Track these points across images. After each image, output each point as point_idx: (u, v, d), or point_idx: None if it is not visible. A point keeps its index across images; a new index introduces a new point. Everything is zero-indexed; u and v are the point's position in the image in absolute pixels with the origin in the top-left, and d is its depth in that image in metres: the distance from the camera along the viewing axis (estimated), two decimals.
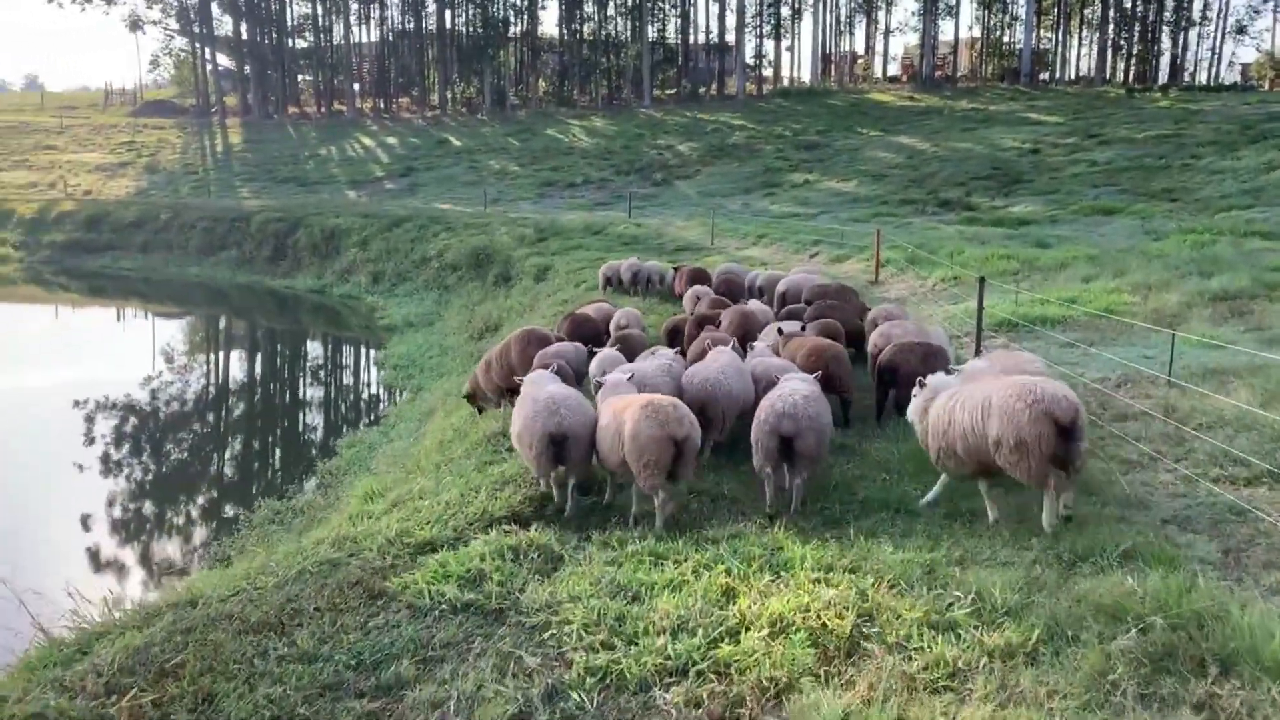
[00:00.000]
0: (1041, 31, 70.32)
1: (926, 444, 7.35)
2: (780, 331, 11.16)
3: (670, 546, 6.43)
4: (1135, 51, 69.11)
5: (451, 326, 23.72)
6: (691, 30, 78.68)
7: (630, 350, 10.98)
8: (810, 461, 7.45)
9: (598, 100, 76.12)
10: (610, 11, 77.73)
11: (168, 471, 15.90)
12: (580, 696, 4.60)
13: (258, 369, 25.14)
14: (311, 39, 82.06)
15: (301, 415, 20.22)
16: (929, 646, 4.71)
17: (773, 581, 5.67)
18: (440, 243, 31.44)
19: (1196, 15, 67.03)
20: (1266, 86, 60.80)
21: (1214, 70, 66.78)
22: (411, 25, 79.97)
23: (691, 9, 78.24)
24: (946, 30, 76.05)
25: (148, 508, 14.06)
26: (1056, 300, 14.03)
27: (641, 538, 6.67)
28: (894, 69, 78.77)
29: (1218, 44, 67.09)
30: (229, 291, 35.67)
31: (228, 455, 17.22)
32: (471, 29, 77.41)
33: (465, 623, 5.52)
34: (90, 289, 37.56)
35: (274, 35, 79.44)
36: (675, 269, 18.83)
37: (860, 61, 79.26)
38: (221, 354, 27.23)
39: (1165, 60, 68.29)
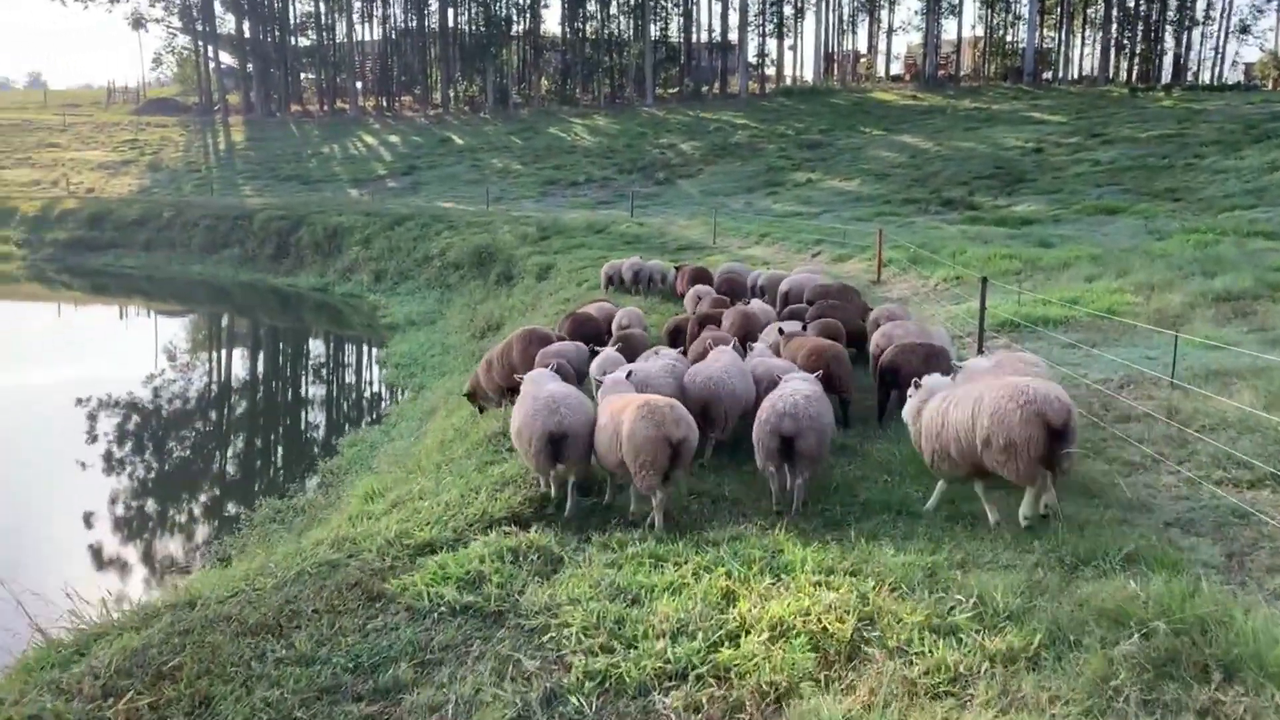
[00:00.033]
0: (1044, 31, 70.25)
1: (920, 446, 7.30)
2: (781, 331, 11.13)
3: (670, 548, 6.40)
4: (1138, 51, 69.01)
5: (453, 325, 23.70)
6: (694, 29, 78.69)
7: (632, 350, 10.95)
8: (811, 461, 7.43)
9: (600, 99, 76.08)
10: (613, 10, 77.80)
11: (169, 470, 15.90)
12: (579, 700, 4.57)
13: (260, 367, 25.15)
14: (314, 37, 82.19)
15: (303, 414, 20.21)
16: (930, 651, 4.68)
17: (773, 584, 5.64)
18: (442, 241, 31.43)
19: (1200, 14, 67.01)
20: (1270, 86, 60.67)
21: (1217, 70, 66.75)
22: (414, 23, 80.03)
23: (694, 8, 78.32)
24: (949, 29, 75.91)
25: (149, 506, 14.06)
26: (1059, 301, 13.99)
27: (641, 539, 6.64)
28: (897, 68, 78.82)
29: (1221, 43, 67.09)
30: (231, 289, 35.69)
31: (230, 453, 17.22)
32: (474, 27, 77.39)
33: (464, 625, 5.49)
34: (93, 287, 37.60)
35: (276, 33, 79.49)
36: (677, 268, 18.80)
37: (863, 60, 79.24)
38: (224, 352, 27.24)
39: (1168, 60, 68.27)
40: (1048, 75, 67.93)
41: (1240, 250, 17.62)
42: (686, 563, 6.09)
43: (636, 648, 4.97)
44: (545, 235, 29.25)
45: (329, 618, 5.61)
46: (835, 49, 76.46)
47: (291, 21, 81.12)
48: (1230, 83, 62.82)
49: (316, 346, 27.42)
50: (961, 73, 72.43)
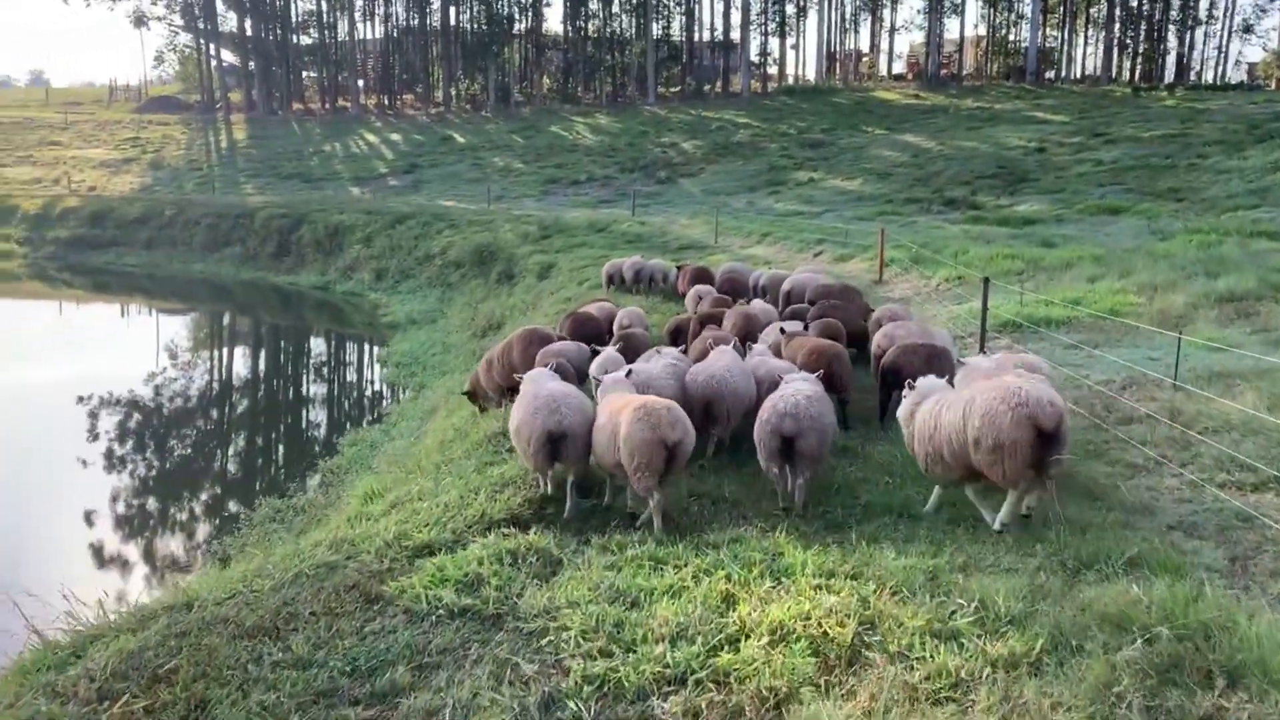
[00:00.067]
0: (1047, 30, 70.16)
1: (913, 449, 7.26)
2: (783, 331, 11.09)
3: (670, 551, 6.36)
4: (1141, 50, 68.94)
5: (454, 324, 23.69)
6: (696, 28, 78.70)
7: (634, 350, 10.92)
8: (812, 461, 7.40)
9: (602, 97, 76.05)
10: (615, 9, 77.77)
11: (169, 468, 15.88)
12: (577, 705, 4.53)
13: (261, 366, 25.14)
14: (316, 35, 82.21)
15: (304, 412, 20.20)
16: (931, 656, 4.64)
17: (773, 588, 5.60)
18: (444, 240, 31.42)
19: (1203, 14, 66.93)
20: (1273, 86, 60.58)
21: (1220, 69, 66.67)
22: (416, 22, 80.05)
23: (696, 6, 78.31)
24: (952, 28, 75.79)
25: (149, 505, 14.05)
26: (1061, 301, 13.94)
27: (641, 542, 6.60)
28: (899, 67, 78.79)
29: (1224, 43, 67.04)
30: (233, 288, 35.69)
31: (230, 452, 17.20)
32: (476, 26, 77.40)
33: (462, 628, 5.45)
34: (94, 285, 37.61)
35: (278, 31, 79.52)
36: (679, 267, 18.76)
37: (865, 59, 79.19)
38: (225, 350, 27.24)
39: (1171, 59, 68.23)
40: (1050, 75, 67.87)
41: (1243, 251, 17.57)
42: (686, 565, 6.05)
43: (635, 652, 4.92)
44: (546, 234, 29.22)
45: (326, 620, 5.58)
46: (837, 48, 76.44)
47: (293, 19, 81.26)
48: (1233, 82, 62.75)
49: (317, 345, 27.41)
50: (964, 72, 72.34)
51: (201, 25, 77.76)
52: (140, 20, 78.42)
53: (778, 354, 10.34)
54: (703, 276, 17.00)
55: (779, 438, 7.31)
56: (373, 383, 22.66)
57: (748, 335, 11.53)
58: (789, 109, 59.77)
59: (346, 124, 69.47)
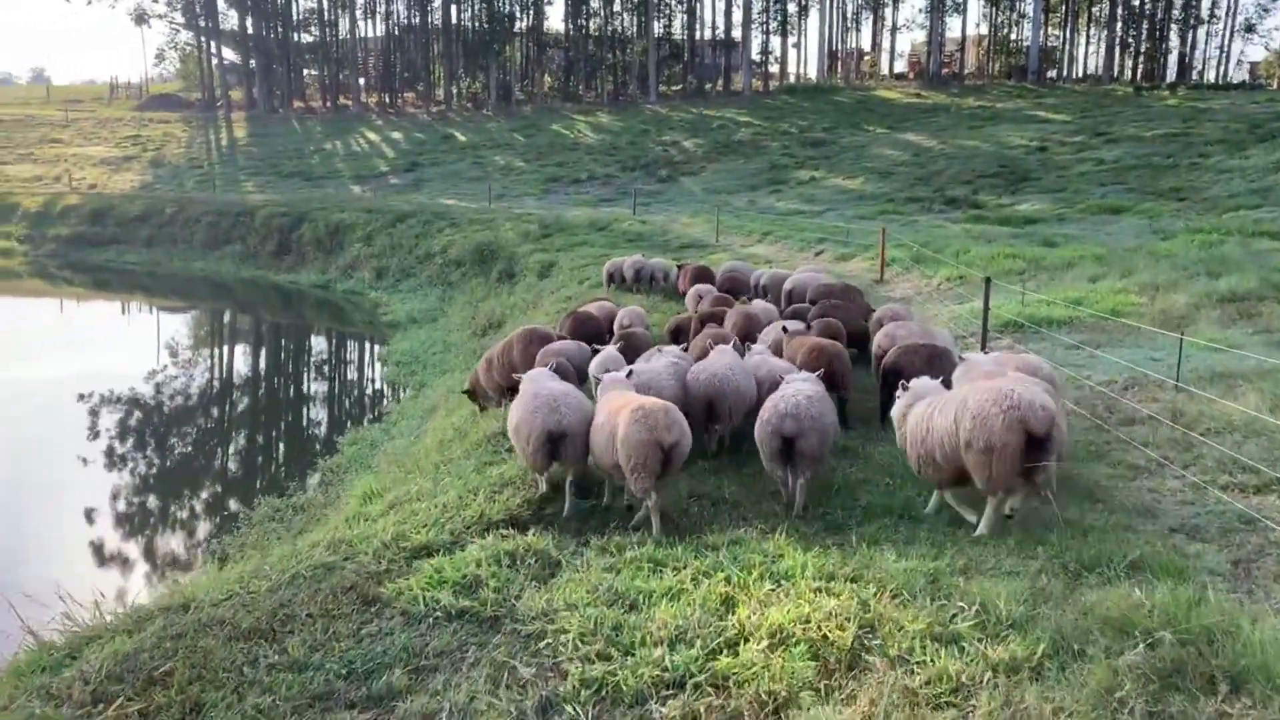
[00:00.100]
0: (1049, 29, 70.07)
1: (906, 450, 7.22)
2: (785, 330, 11.06)
3: (669, 553, 6.32)
4: (1143, 49, 68.82)
5: (455, 323, 23.65)
6: (698, 26, 78.61)
7: (634, 349, 10.89)
8: (812, 462, 7.38)
9: (603, 96, 75.95)
10: (616, 7, 77.67)
11: (169, 466, 15.86)
12: (575, 709, 4.49)
13: (261, 364, 25.11)
14: (316, 33, 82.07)
15: (304, 411, 20.16)
16: (932, 660, 4.60)
17: (773, 590, 5.56)
18: (444, 238, 31.37)
19: (1205, 13, 66.79)
20: (1275, 85, 60.49)
21: (1222, 68, 66.52)
22: (417, 20, 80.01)
23: (698, 5, 78.18)
24: (954, 27, 75.86)
25: (148, 503, 14.02)
26: (1063, 301, 13.90)
27: (640, 543, 6.56)
28: (901, 66, 78.67)
29: (1226, 42, 66.83)
30: (233, 286, 35.65)
31: (230, 450, 17.17)
32: (477, 24, 77.31)
33: (459, 631, 5.42)
34: (95, 283, 37.57)
35: (279, 29, 79.45)
36: (679, 266, 18.72)
37: (867, 58, 79.08)
38: (225, 349, 27.21)
39: (1173, 58, 68.10)
40: (1052, 74, 67.77)
41: (1245, 250, 17.52)
42: (685, 568, 6.01)
43: (634, 655, 4.89)
44: (547, 233, 29.18)
45: (323, 622, 5.55)
46: (839, 47, 76.32)
47: (294, 17, 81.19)
48: (1235, 82, 62.61)
49: (318, 344, 27.38)
50: (966, 71, 72.26)
51: (202, 23, 77.73)
52: (141, 18, 78.45)
53: (778, 353, 10.31)
54: (703, 275, 16.96)
55: (780, 438, 7.29)
56: (373, 381, 22.63)
57: (748, 334, 11.50)
58: (790, 108, 59.70)
59: (347, 122, 69.41)
